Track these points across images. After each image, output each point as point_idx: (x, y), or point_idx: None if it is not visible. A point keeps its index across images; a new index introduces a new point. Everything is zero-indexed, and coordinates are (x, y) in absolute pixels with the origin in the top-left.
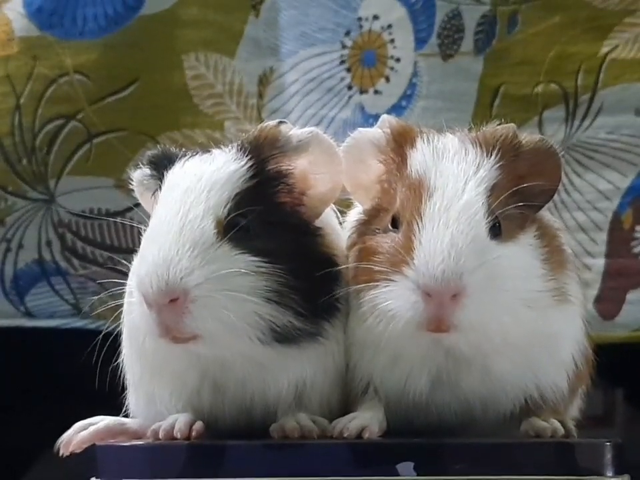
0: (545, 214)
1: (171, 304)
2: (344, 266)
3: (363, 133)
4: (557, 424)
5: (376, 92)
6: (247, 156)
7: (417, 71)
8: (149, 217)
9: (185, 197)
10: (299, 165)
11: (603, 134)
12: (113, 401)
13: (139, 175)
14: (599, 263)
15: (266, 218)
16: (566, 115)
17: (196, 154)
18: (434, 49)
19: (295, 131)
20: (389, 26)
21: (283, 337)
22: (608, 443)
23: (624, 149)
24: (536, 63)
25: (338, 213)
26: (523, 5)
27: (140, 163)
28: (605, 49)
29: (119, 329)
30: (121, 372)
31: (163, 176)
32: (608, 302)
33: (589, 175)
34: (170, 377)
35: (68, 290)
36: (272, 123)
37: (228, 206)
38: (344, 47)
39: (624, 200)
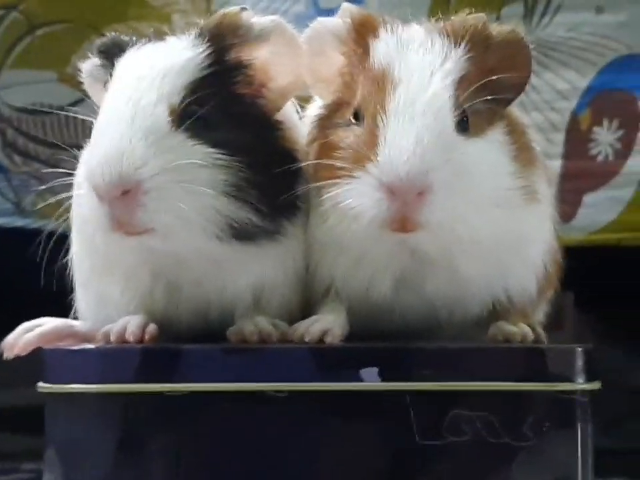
0: (514, 110)
1: (123, 196)
2: (305, 162)
3: (323, 23)
4: (527, 328)
5: None
6: (205, 43)
7: None
8: (97, 111)
9: (136, 84)
10: (260, 55)
11: (563, 32)
12: (58, 303)
13: (88, 65)
14: (556, 164)
15: (224, 109)
16: (525, 12)
17: (149, 41)
18: None
19: (257, 19)
20: None
21: (241, 234)
22: (579, 349)
23: (583, 48)
24: None
25: (298, 107)
26: None
27: (89, 53)
28: None
29: (63, 226)
30: (68, 271)
31: (114, 65)
32: (564, 204)
33: (547, 74)
34: (121, 275)
35: (9, 188)
36: (234, 9)
37: (183, 93)
38: None
39: (582, 100)
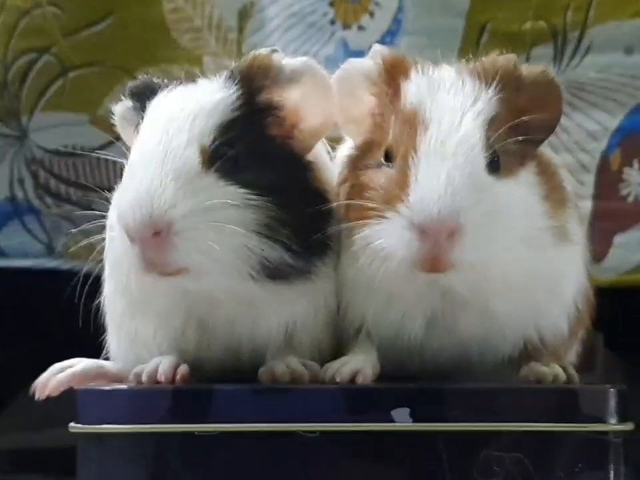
0: (545, 150)
1: (154, 237)
2: (336, 202)
3: (354, 64)
4: (558, 369)
5: (360, 28)
6: (236, 84)
7: (402, 6)
8: (128, 153)
9: (167, 125)
10: (290, 97)
11: (592, 73)
12: (90, 344)
13: (120, 107)
14: (586, 205)
15: (255, 149)
16: (554, 53)
17: (180, 83)
18: None
19: (287, 61)
20: None
21: (273, 274)
22: (612, 389)
23: (613, 89)
24: None
25: (329, 147)
26: None
27: (121, 95)
28: None
29: (95, 268)
30: (100, 313)
31: (146, 108)
32: (595, 245)
33: (577, 115)
34: (154, 316)
35: (41, 229)
36: (264, 51)
37: (213, 134)
38: None
39: (612, 141)
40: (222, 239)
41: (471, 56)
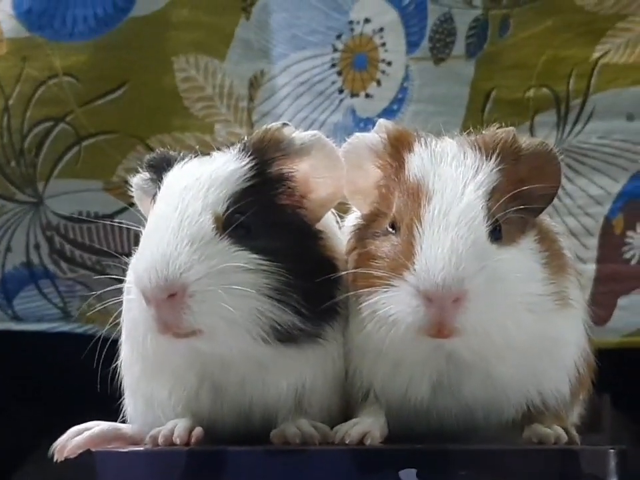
0: (545, 218)
1: (169, 299)
2: (345, 271)
3: (360, 138)
4: (560, 430)
5: (367, 95)
6: (248, 156)
7: (409, 75)
8: (140, 220)
9: (183, 194)
10: (300, 168)
11: (595, 139)
12: (107, 406)
13: (138, 179)
14: (590, 268)
15: (266, 218)
16: (557, 120)
17: (196, 156)
18: (425, 52)
19: (298, 134)
20: (381, 29)
21: (284, 336)
22: (612, 450)
23: (615, 154)
24: (528, 67)
25: (337, 217)
26: (515, 9)
27: (138, 167)
28: (597, 54)
29: (111, 331)
30: (115, 376)
31: (162, 179)
32: (599, 307)
33: (580, 180)
34: (169, 377)
35: (56, 293)
36: (275, 125)
37: (227, 203)
38: (335, 50)
39: (615, 205)
40: (234, 301)
41: (475, 124)
